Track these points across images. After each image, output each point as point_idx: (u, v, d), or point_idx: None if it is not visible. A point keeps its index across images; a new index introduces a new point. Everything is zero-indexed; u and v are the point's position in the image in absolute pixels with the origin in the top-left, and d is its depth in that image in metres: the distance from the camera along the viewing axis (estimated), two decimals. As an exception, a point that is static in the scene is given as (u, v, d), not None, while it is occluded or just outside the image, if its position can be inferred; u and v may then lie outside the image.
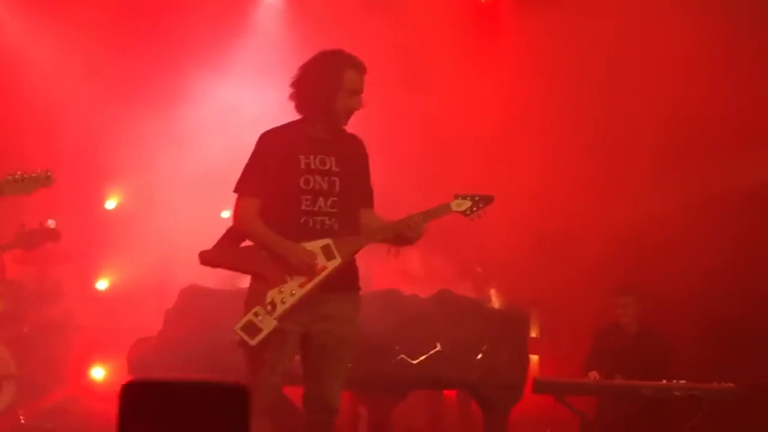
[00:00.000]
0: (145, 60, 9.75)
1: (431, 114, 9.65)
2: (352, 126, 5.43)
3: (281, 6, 10.34)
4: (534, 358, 8.36)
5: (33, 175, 5.88)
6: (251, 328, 5.07)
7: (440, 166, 9.36)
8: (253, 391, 4.89)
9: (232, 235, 5.32)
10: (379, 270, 8.52)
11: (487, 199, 5.46)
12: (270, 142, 5.28)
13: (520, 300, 8.30)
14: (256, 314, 5.08)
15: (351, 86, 5.21)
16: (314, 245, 5.17)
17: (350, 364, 5.44)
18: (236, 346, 5.14)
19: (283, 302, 5.10)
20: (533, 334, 8.60)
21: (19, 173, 5.81)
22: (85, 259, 9.64)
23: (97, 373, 9.56)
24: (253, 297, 5.17)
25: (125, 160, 9.83)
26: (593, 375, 7.93)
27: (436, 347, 6.91)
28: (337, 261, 5.15)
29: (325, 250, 5.15)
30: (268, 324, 5.06)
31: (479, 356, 6.95)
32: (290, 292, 5.12)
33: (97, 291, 9.88)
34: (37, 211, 8.80)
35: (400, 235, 5.28)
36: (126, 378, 7.97)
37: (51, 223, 7.14)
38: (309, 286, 5.14)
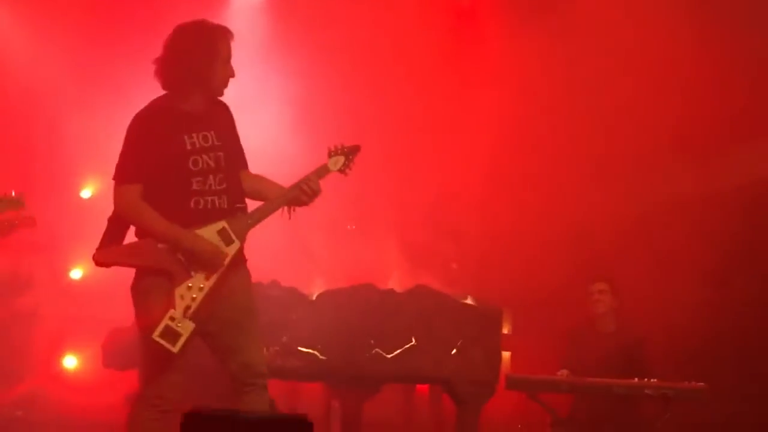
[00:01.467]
0: (121, 51, 9.69)
1: (411, 115, 9.67)
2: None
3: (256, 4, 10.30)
4: (506, 354, 8.39)
5: (2, 197, 5.88)
6: (171, 334, 4.85)
7: (421, 167, 9.33)
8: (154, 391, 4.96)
9: (115, 228, 5.15)
10: (353, 264, 8.59)
11: (354, 150, 5.29)
12: (146, 124, 5.03)
13: (494, 297, 8.31)
14: (172, 318, 4.85)
15: (226, 55, 5.05)
16: (209, 231, 4.97)
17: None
18: (161, 354, 4.92)
19: (193, 299, 4.90)
20: (505, 331, 8.63)
21: None
22: (59, 248, 9.58)
23: (70, 362, 9.52)
24: (157, 295, 4.92)
25: (101, 148, 9.76)
26: (563, 373, 7.95)
27: (411, 342, 6.93)
28: (237, 245, 5.01)
29: (222, 234, 4.97)
30: (186, 327, 4.87)
31: (453, 351, 6.99)
32: (198, 287, 4.93)
33: (71, 280, 9.82)
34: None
35: (297, 200, 5.17)
36: (99, 368, 8.02)
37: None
38: (214, 277, 4.95)
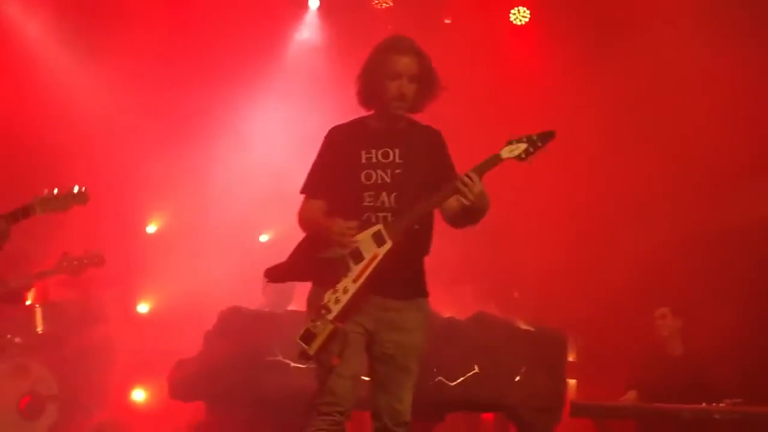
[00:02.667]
0: (189, 87, 9.89)
1: (471, 142, 9.69)
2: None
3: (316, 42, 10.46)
4: (572, 382, 8.34)
5: (65, 192, 5.84)
6: (308, 336, 4.81)
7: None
8: (323, 398, 4.86)
9: (303, 246, 5.08)
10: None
11: (546, 137, 4.89)
12: (331, 139, 5.10)
13: (558, 323, 8.27)
14: (312, 320, 4.83)
15: (394, 70, 4.94)
16: (365, 235, 4.88)
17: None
18: (299, 358, 4.89)
19: (337, 301, 4.83)
20: (571, 358, 8.58)
21: (52, 191, 5.76)
22: (127, 282, 9.74)
23: (138, 395, 9.64)
24: (312, 303, 4.95)
25: (166, 184, 9.94)
26: (631, 394, 7.89)
27: (473, 369, 6.92)
28: (388, 245, 4.83)
29: (376, 236, 4.85)
30: (324, 328, 4.80)
31: (517, 378, 6.97)
32: (343, 289, 4.86)
33: (138, 314, 9.97)
34: (79, 235, 8.98)
35: (462, 206, 4.84)
36: (166, 399, 8.14)
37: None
38: (362, 279, 4.84)
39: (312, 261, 4.95)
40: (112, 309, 9.52)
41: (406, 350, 4.98)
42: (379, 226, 4.86)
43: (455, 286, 8.76)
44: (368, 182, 4.94)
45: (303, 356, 4.87)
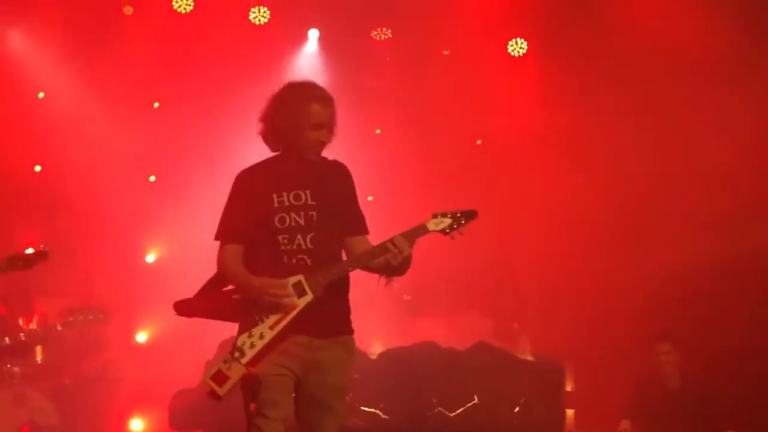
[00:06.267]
0: (188, 112, 9.94)
1: (472, 168, 9.79)
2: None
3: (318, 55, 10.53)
4: (570, 412, 8.33)
5: (30, 253, 6.09)
6: (220, 377, 4.79)
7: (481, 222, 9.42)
8: None
9: (215, 284, 5.10)
10: (413, 323, 8.63)
11: (469, 215, 4.99)
12: (243, 183, 5.07)
13: (557, 352, 8.30)
14: (225, 362, 4.81)
15: (318, 121, 4.98)
16: (285, 283, 4.89)
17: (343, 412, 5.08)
18: (208, 397, 4.86)
19: (252, 346, 4.82)
20: (568, 388, 8.58)
21: (19, 253, 6.05)
22: (126, 312, 9.73)
23: (136, 425, 9.62)
24: (230, 345, 4.91)
25: (164, 213, 9.97)
26: (625, 423, 7.88)
27: (473, 400, 6.93)
28: (309, 297, 4.85)
29: (296, 287, 4.86)
30: (236, 371, 4.78)
31: (516, 409, 6.98)
32: (259, 335, 4.84)
33: (137, 344, 9.96)
34: (81, 268, 9.03)
35: (386, 263, 4.89)
36: (165, 429, 8.13)
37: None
38: (279, 326, 4.85)
39: (225, 301, 4.98)
40: (112, 338, 9.51)
41: (331, 391, 4.98)
42: (299, 277, 4.88)
43: (455, 316, 8.78)
44: (282, 226, 4.95)
45: (212, 396, 4.86)
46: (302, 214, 4.98)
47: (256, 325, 4.88)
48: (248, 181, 5.08)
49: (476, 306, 9.08)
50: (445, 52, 10.39)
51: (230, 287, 5.03)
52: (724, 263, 9.02)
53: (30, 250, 6.19)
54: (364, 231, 5.12)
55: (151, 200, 9.89)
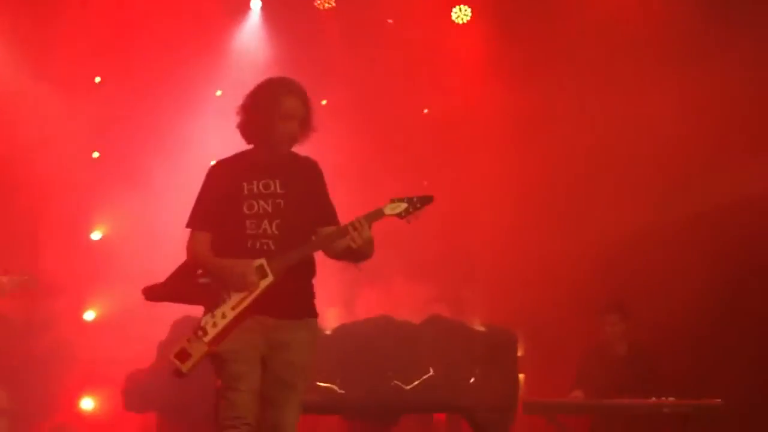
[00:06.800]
0: (129, 87, 9.81)
1: (432, 137, 9.80)
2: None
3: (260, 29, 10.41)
4: (521, 376, 8.41)
5: (16, 278, 6.00)
6: (183, 355, 5.02)
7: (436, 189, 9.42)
8: (226, 413, 4.97)
9: (184, 269, 5.23)
10: (366, 297, 8.63)
11: (425, 200, 5.16)
12: (215, 174, 5.30)
13: (508, 319, 8.34)
14: (188, 340, 5.03)
15: (286, 112, 5.16)
16: (248, 264, 5.08)
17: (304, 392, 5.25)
18: (172, 375, 5.08)
19: (214, 325, 5.03)
20: (519, 353, 8.65)
21: (4, 277, 5.92)
22: (73, 290, 9.61)
23: (87, 403, 9.55)
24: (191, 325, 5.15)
25: (108, 190, 9.84)
26: (577, 394, 7.98)
27: (429, 372, 6.96)
28: (269, 279, 5.04)
29: (258, 270, 5.05)
30: (198, 349, 5.01)
31: (472, 380, 7.02)
32: (221, 314, 5.04)
33: (85, 322, 9.85)
34: (25, 244, 8.88)
35: (348, 247, 5.10)
36: (116, 409, 8.07)
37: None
38: (240, 307, 5.05)
39: (191, 285, 5.14)
40: (59, 317, 9.40)
41: (295, 369, 5.13)
42: (261, 261, 5.05)
43: (407, 287, 8.80)
44: (250, 212, 5.14)
45: (176, 374, 5.06)
46: (270, 201, 5.15)
47: (218, 306, 5.05)
48: (220, 172, 5.27)
49: (427, 275, 9.10)
50: (389, 21, 10.34)
51: (198, 272, 5.15)
52: (666, 231, 9.13)
53: None
54: (335, 221, 5.26)
55: (94, 177, 9.74)
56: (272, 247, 5.11)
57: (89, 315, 9.89)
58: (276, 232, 5.12)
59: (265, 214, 5.13)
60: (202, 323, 5.03)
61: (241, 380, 5.04)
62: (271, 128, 5.18)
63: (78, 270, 9.56)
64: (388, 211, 5.13)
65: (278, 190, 5.18)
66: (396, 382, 6.92)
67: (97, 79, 10.01)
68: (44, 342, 9.13)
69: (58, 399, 9.10)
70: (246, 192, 5.17)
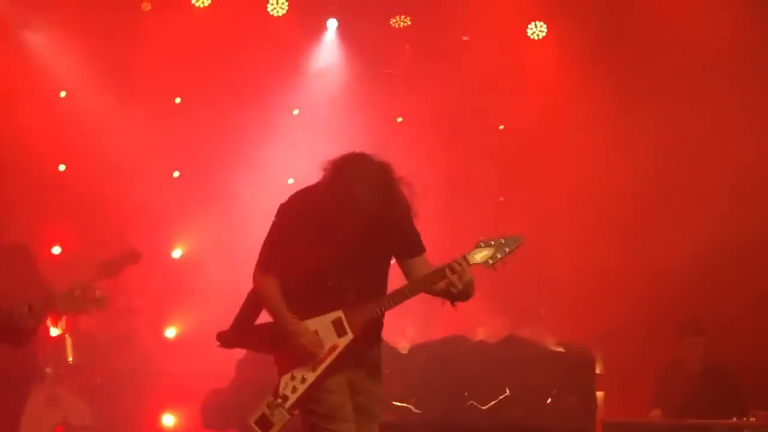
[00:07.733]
0: (208, 106, 9.95)
1: (502, 155, 9.79)
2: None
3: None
4: (599, 394, 8.35)
5: (89, 296, 6.01)
6: (264, 422, 4.77)
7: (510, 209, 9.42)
8: None
9: (251, 308, 4.96)
10: (441, 315, 8.62)
11: (514, 242, 4.72)
12: (288, 211, 4.85)
13: (584, 341, 8.28)
14: (268, 406, 4.78)
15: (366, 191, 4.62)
16: (323, 321, 4.76)
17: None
18: None
19: (294, 390, 4.75)
20: (598, 371, 8.59)
21: (72, 290, 5.93)
22: (154, 308, 9.78)
23: (168, 420, 9.69)
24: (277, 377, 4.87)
25: (190, 209, 9.98)
26: (655, 413, 7.89)
27: (505, 392, 6.94)
28: (349, 337, 4.73)
29: (336, 324, 4.74)
30: (280, 417, 4.75)
31: (549, 400, 6.99)
32: (301, 378, 4.76)
33: (166, 339, 10.01)
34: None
35: (447, 289, 4.68)
36: (196, 426, 8.16)
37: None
38: (320, 369, 4.75)
39: (267, 335, 4.85)
40: (141, 334, 9.57)
41: (371, 398, 4.92)
42: (339, 314, 4.75)
43: (484, 306, 8.77)
44: (329, 260, 4.72)
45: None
46: (349, 247, 4.73)
47: (297, 366, 4.80)
48: (293, 209, 4.87)
49: (504, 294, 9.07)
50: (464, 38, 10.34)
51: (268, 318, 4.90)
52: (741, 249, 9.00)
53: None
54: (421, 250, 4.87)
55: (174, 196, 9.89)
56: (353, 297, 4.75)
57: (170, 332, 10.05)
58: (356, 281, 4.74)
59: (343, 260, 4.72)
60: (282, 388, 4.77)
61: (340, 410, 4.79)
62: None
63: (159, 288, 9.72)
64: (471, 260, 4.69)
65: (357, 235, 4.68)
66: (472, 402, 6.92)
67: (178, 100, 10.17)
68: (126, 359, 9.27)
69: (140, 416, 9.23)
70: (322, 239, 4.69)
